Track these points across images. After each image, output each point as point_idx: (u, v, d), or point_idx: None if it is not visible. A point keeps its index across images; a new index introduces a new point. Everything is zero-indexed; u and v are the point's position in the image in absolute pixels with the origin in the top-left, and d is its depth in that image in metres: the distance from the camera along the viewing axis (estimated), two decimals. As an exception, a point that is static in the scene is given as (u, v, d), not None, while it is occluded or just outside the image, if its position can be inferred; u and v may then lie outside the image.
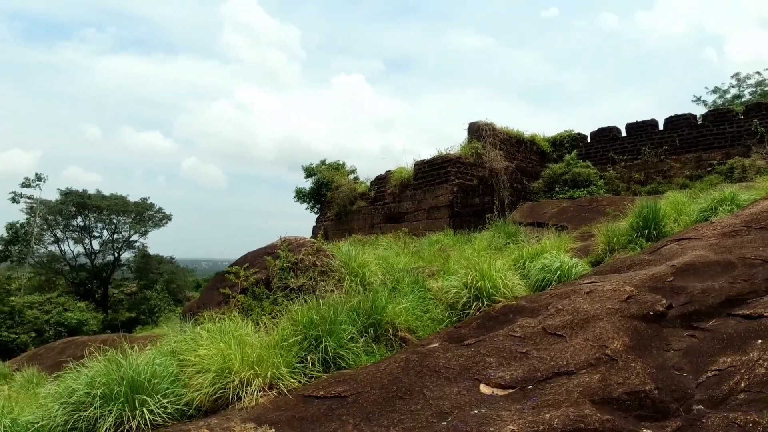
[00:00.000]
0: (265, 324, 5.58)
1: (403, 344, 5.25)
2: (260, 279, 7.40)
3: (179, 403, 3.95)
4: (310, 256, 7.22)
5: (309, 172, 19.34)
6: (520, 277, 6.44)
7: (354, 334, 5.00)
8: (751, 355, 3.61)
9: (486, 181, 14.69)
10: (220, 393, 3.95)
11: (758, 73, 24.87)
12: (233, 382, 3.93)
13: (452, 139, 16.10)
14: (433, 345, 4.64)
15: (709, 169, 14.73)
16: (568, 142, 17.87)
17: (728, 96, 24.80)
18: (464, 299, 5.39)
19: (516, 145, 16.63)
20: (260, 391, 4.07)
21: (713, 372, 3.55)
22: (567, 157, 16.87)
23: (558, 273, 6.32)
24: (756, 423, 2.82)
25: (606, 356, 3.76)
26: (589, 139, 17.88)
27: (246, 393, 3.92)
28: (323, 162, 19.54)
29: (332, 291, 6.33)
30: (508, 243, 9.90)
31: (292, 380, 4.24)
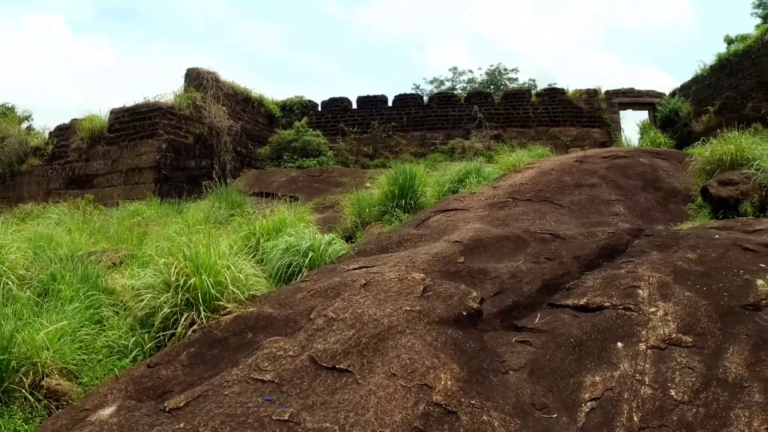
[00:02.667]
0: None
1: (53, 404, 2.72)
2: None
3: None
4: None
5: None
6: (254, 262, 4.39)
7: None
8: (622, 367, 2.41)
9: (205, 140, 12.09)
10: None
11: (471, 71, 28.42)
12: None
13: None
14: (106, 411, 2.35)
15: (432, 147, 15.41)
16: (299, 109, 16.55)
17: (443, 87, 27.36)
18: (167, 309, 3.07)
19: (242, 103, 14.38)
20: None
21: (589, 404, 2.24)
22: (297, 124, 15.49)
23: (310, 255, 4.54)
24: None
25: (438, 408, 2.09)
26: (320, 108, 16.94)
27: None
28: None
29: None
30: (233, 215, 7.82)
31: None
